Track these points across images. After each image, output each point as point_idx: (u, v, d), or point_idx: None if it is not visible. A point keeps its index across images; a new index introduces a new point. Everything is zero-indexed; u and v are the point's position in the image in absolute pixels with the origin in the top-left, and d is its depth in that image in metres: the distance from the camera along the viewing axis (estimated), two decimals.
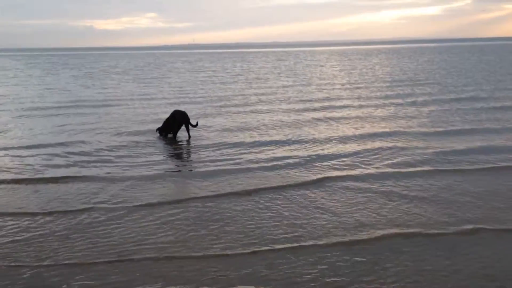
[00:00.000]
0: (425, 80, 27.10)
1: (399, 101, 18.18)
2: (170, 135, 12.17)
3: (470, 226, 6.01)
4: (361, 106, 16.92)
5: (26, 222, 6.35)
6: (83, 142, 11.36)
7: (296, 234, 5.87)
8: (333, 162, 9.25)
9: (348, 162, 9.21)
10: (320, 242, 5.61)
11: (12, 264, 5.18)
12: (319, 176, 8.31)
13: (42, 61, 76.51)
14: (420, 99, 18.63)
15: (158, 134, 12.25)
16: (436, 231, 5.90)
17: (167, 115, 12.54)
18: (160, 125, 12.33)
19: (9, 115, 16.33)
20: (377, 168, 8.78)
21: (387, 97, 19.67)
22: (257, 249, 5.46)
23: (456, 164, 8.97)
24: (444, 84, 24.50)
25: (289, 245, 5.56)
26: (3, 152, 10.47)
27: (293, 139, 11.40)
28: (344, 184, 7.84)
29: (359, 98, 19.50)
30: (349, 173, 8.43)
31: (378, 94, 20.85)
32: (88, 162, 9.49)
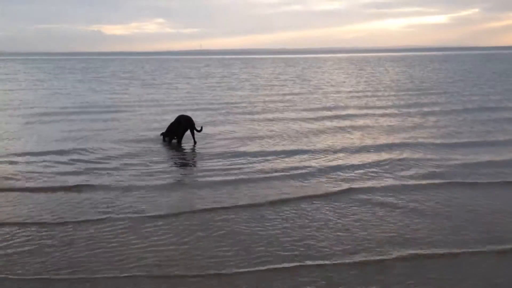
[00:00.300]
0: (432, 89, 27.03)
1: (407, 110, 18.10)
2: (174, 140, 12.24)
3: (495, 246, 5.84)
4: (369, 115, 16.85)
5: (32, 232, 6.33)
6: (90, 149, 11.36)
7: (307, 251, 5.69)
8: (345, 173, 9.12)
9: (362, 174, 9.06)
10: (330, 262, 5.42)
11: (16, 277, 5.14)
12: (331, 188, 8.17)
13: (51, 66, 77.06)
14: (427, 108, 18.56)
15: (163, 139, 12.34)
16: (456, 250, 5.72)
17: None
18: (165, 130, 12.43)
19: (17, 121, 16.41)
20: (390, 180, 8.65)
21: (394, 106, 19.63)
22: (263, 268, 5.29)
23: (470, 177, 8.83)
24: (451, 93, 24.44)
25: (298, 263, 5.39)
26: (12, 159, 10.47)
27: (303, 149, 11.28)
28: (359, 197, 7.67)
29: (367, 107, 19.45)
30: (364, 186, 8.28)
31: (386, 103, 20.80)
32: (94, 170, 9.44)
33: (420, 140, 12.27)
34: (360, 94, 24.95)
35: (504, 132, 13.34)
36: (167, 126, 12.67)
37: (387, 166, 9.61)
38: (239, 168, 9.56)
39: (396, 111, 17.89)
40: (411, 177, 8.88)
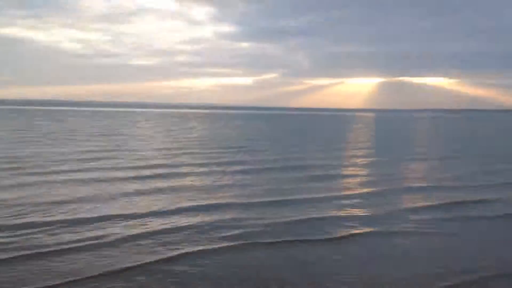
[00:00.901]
0: (236, 147, 27.67)
1: (213, 168, 18.11)
2: None
3: None
4: (176, 174, 16.40)
5: None
6: None
7: None
8: (148, 241, 8.43)
9: (166, 242, 8.45)
10: None
11: None
12: (131, 262, 7.36)
13: None
14: (230, 166, 18.72)
15: None
16: None
17: None
18: None
19: None
20: (200, 245, 8.27)
21: (201, 164, 19.40)
22: None
23: (271, 237, 8.89)
24: (255, 151, 25.26)
25: None
26: None
27: (106, 214, 10.18)
28: (164, 268, 7.16)
29: (174, 165, 18.90)
30: (169, 255, 7.73)
31: (193, 161, 20.63)
32: None
33: (226, 200, 12.15)
34: (167, 152, 24.21)
35: (309, 191, 13.77)
36: None
37: (196, 230, 9.22)
38: (23, 241, 8.12)
39: (203, 169, 17.77)
40: (220, 239, 8.65)
